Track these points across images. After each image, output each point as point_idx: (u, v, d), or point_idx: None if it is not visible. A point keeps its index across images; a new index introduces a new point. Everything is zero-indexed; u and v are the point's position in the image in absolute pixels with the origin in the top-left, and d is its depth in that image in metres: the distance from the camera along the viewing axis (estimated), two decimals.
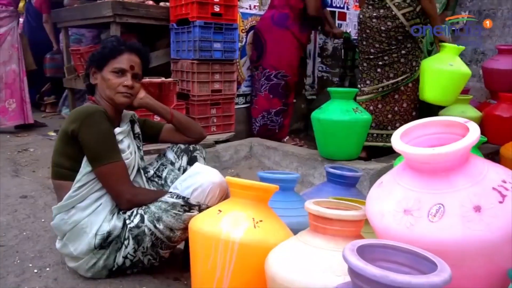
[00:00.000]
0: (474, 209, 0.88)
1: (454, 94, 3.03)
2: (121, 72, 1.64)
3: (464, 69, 2.93)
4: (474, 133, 0.93)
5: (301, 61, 4.05)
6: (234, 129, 3.72)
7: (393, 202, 0.99)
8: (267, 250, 1.25)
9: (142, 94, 1.74)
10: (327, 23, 4.07)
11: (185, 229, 1.52)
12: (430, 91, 2.97)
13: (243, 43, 3.92)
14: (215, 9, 3.39)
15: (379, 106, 3.14)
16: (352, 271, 0.74)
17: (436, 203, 0.92)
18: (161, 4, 3.71)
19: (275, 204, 1.63)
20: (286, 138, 3.86)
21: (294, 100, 4.01)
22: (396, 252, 0.85)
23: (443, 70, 2.89)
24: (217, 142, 3.43)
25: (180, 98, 3.47)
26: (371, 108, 3.12)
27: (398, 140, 1.02)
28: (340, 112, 2.64)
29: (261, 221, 1.35)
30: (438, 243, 0.88)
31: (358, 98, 3.12)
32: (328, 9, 4.50)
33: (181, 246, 1.87)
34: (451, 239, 0.88)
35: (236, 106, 3.84)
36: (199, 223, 1.39)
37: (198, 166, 1.62)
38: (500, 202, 0.89)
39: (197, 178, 1.55)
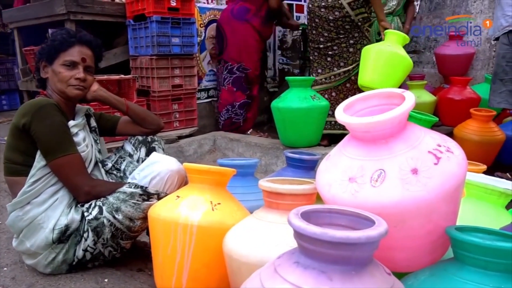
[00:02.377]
0: (412, 171, 0.93)
1: (394, 78, 2.61)
2: (72, 65, 1.62)
3: (404, 54, 2.63)
4: (409, 101, 0.98)
5: (262, 54, 4.09)
6: (198, 124, 3.72)
7: (339, 172, 1.03)
8: (226, 231, 1.27)
9: (95, 86, 1.72)
10: (285, 16, 4.13)
11: (145, 218, 1.52)
12: (368, 74, 2.64)
13: (202, 37, 3.92)
14: (172, 4, 3.38)
15: (333, 94, 3.23)
16: (296, 233, 0.77)
17: (378, 169, 0.96)
18: (117, 0, 3.66)
19: (236, 190, 1.66)
20: (250, 130, 3.89)
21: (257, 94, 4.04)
22: (340, 215, 0.89)
23: (381, 50, 2.59)
24: (180, 137, 3.43)
25: (141, 95, 3.44)
26: (326, 96, 3.19)
27: (341, 112, 1.06)
28: (298, 100, 2.69)
29: (219, 203, 1.37)
30: (380, 206, 0.93)
31: (312, 88, 3.18)
32: (286, 1, 4.56)
33: (146, 239, 1.87)
34: (392, 201, 0.92)
35: (199, 101, 3.84)
36: (158, 210, 1.40)
37: (155, 155, 1.63)
38: (435, 164, 0.94)
39: (155, 167, 1.55)
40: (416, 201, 0.91)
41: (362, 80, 2.68)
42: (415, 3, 4.75)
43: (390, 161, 0.96)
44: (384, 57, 2.55)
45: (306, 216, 0.84)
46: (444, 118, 3.86)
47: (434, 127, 3.48)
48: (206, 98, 4.02)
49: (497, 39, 2.71)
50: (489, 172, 2.10)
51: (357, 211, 0.87)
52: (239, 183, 1.80)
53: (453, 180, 0.94)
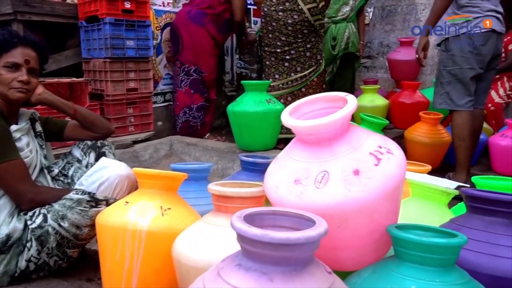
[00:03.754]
0: (354, 172, 0.96)
1: None
2: (14, 67, 1.56)
3: None
4: (351, 104, 1.01)
5: (219, 58, 4.08)
6: (154, 128, 3.66)
7: (285, 174, 1.04)
8: (175, 236, 1.25)
9: (40, 89, 1.66)
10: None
11: (93, 225, 1.47)
12: None
13: (159, 40, 3.87)
14: (126, 6, 3.31)
15: (289, 99, 3.27)
16: (238, 236, 0.77)
17: (322, 171, 0.98)
18: (68, 0, 3.54)
19: (189, 194, 1.65)
20: (207, 135, 3.87)
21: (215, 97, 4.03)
22: (284, 217, 0.90)
23: None
24: (135, 142, 3.36)
25: (94, 99, 3.34)
26: (282, 101, 3.21)
27: (287, 115, 1.07)
28: (253, 104, 2.71)
29: (169, 209, 1.35)
30: (324, 207, 0.95)
31: (269, 93, 3.21)
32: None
33: (97, 247, 1.81)
34: (335, 202, 0.94)
35: (155, 105, 3.78)
36: (106, 216, 1.36)
37: (104, 160, 1.58)
38: (376, 165, 0.97)
39: (103, 172, 1.51)
40: (358, 201, 0.94)
41: None
42: (368, 10, 4.91)
43: (333, 162, 0.98)
44: None
45: (250, 218, 0.84)
46: (395, 121, 4.01)
47: (386, 129, 3.60)
48: (162, 102, 3.96)
49: (439, 45, 2.87)
50: (438, 172, 2.20)
51: (301, 212, 0.88)
52: (192, 188, 1.78)
53: (393, 180, 0.97)
